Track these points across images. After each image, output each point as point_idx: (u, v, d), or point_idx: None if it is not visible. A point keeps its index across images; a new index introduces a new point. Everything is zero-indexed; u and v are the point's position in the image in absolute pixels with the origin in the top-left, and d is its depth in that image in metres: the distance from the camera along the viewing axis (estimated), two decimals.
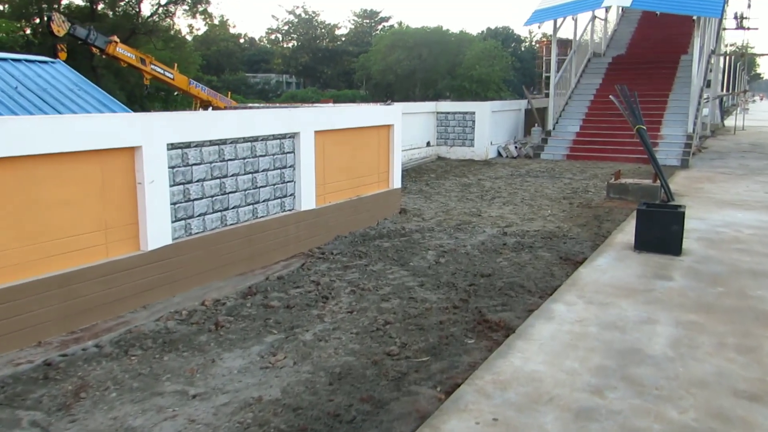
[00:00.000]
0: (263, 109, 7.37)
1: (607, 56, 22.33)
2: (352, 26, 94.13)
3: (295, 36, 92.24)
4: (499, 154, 17.98)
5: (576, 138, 17.74)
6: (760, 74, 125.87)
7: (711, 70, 24.43)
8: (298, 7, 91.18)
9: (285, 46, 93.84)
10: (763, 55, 72.64)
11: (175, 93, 24.71)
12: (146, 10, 42.50)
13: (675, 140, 16.53)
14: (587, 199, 11.36)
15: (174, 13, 42.36)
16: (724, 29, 30.06)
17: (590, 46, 22.18)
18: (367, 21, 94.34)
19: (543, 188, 12.56)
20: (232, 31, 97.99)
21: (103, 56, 21.23)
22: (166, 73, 22.61)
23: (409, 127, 16.19)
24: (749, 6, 29.26)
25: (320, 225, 8.16)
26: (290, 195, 7.73)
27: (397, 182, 9.94)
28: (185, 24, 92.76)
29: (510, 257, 7.38)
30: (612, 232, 8.60)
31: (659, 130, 17.01)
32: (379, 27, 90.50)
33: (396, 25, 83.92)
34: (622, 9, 26.09)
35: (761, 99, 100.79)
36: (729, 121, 32.92)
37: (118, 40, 20.93)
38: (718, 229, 8.66)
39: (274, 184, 7.45)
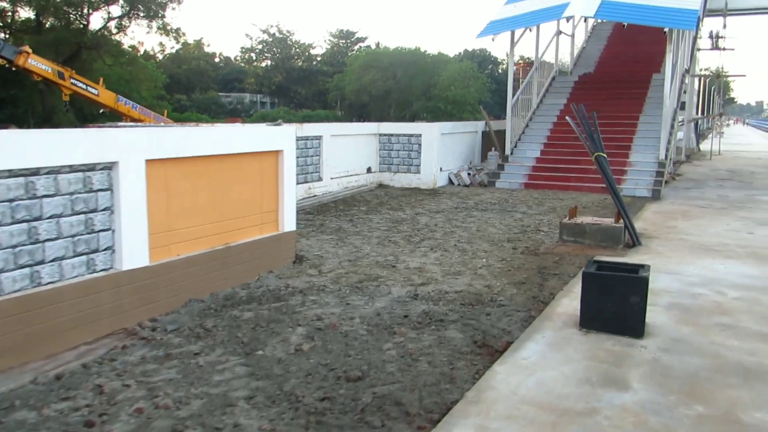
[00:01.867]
0: (55, 130, 5.21)
1: (573, 75, 20.53)
2: (328, 46, 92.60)
3: (269, 55, 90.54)
4: (451, 181, 15.95)
5: (535, 164, 15.77)
6: (734, 98, 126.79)
7: (685, 92, 22.78)
8: (272, 26, 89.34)
9: (259, 65, 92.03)
10: (738, 76, 71.89)
11: (101, 110, 22.52)
12: (98, 24, 40.18)
13: (645, 168, 14.62)
14: (536, 241, 9.29)
15: (127, 28, 40.15)
16: (699, 49, 28.54)
17: (555, 63, 20.39)
18: (344, 41, 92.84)
19: (487, 226, 10.49)
20: (206, 49, 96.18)
21: (13, 69, 18.98)
22: (90, 89, 20.42)
23: (346, 150, 14.18)
24: (725, 26, 27.66)
25: (160, 287, 5.98)
26: (105, 249, 5.54)
27: (289, 223, 7.79)
28: (156, 41, 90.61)
29: (405, 341, 5.23)
30: (556, 294, 6.51)
31: (628, 156, 15.11)
32: (356, 47, 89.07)
33: (373, 46, 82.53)
34: (592, 26, 24.49)
35: (735, 123, 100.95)
36: (704, 145, 31.45)
37: (30, 50, 18.69)
38: (695, 290, 6.61)
39: (73, 236, 5.26)
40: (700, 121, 38.07)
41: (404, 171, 15.30)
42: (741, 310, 5.96)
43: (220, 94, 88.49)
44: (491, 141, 17.53)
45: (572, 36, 21.44)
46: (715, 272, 7.39)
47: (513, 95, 16.58)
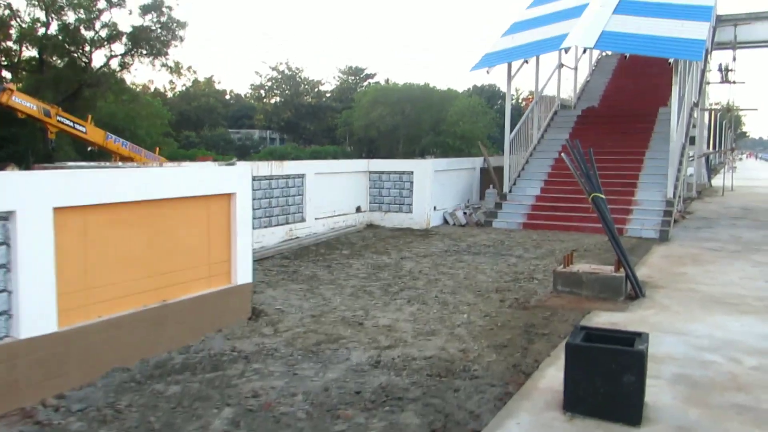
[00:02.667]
0: None
1: (577, 109, 19.76)
2: (338, 82, 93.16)
3: (278, 92, 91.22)
4: (446, 221, 15.07)
5: (535, 203, 14.87)
6: (746, 132, 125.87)
7: (695, 126, 21.93)
8: (281, 63, 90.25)
9: (268, 101, 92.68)
10: (750, 110, 70.76)
11: (89, 148, 21.99)
12: (101, 62, 40.09)
13: (652, 207, 13.68)
14: (528, 292, 8.35)
15: (130, 65, 40.05)
16: (708, 83, 27.78)
17: (557, 97, 19.65)
18: (353, 78, 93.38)
19: (477, 273, 9.57)
20: (217, 87, 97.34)
21: None
22: (77, 126, 19.87)
23: (332, 189, 13.41)
24: (734, 59, 26.89)
25: (72, 356, 5.10)
26: None
27: (243, 275, 6.92)
28: (167, 79, 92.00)
29: (348, 429, 4.30)
30: (541, 362, 5.56)
31: (634, 194, 14.19)
32: (365, 83, 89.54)
33: (382, 82, 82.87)
34: (597, 59, 23.85)
35: (748, 157, 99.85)
36: (716, 181, 30.45)
37: (14, 88, 18.20)
38: (705, 357, 5.64)
39: None
40: (711, 156, 37.14)
41: (395, 210, 14.45)
42: (761, 385, 4.98)
43: (230, 130, 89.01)
44: (490, 178, 16.69)
45: (575, 69, 20.73)
46: (729, 332, 6.42)
47: (511, 130, 15.77)
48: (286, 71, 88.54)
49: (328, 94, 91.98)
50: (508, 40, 15.70)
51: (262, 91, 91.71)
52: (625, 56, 14.37)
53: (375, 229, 14.20)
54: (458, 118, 65.72)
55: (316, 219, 12.97)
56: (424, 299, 7.90)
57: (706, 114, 31.76)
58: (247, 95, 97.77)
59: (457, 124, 64.94)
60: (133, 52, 39.16)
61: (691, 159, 23.39)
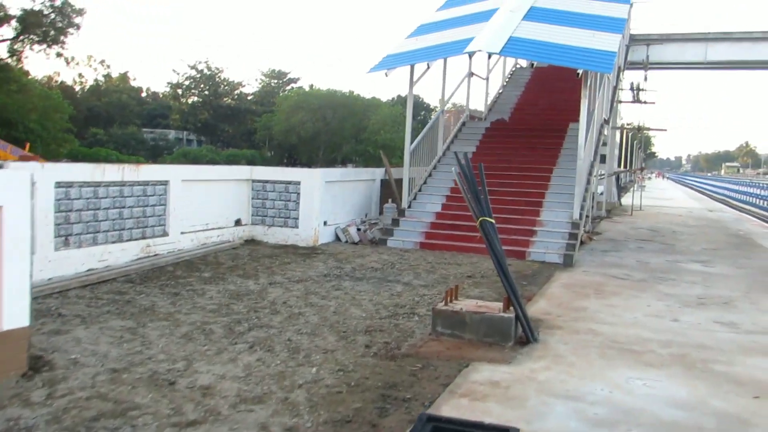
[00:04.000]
0: None
1: (486, 121, 18.79)
2: (260, 85, 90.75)
3: (196, 92, 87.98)
4: (338, 237, 13.60)
5: (435, 220, 13.61)
6: (655, 153, 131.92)
7: (605, 143, 21.47)
8: (200, 62, 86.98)
9: (185, 101, 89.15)
10: (659, 130, 73.19)
11: None
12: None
13: (557, 228, 12.69)
14: (403, 333, 6.96)
15: (21, 53, 36.66)
16: (620, 101, 27.71)
17: (466, 107, 18.62)
18: (275, 81, 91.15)
19: (351, 305, 8.11)
20: (133, 83, 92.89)
21: None
22: None
23: (206, 199, 11.72)
24: (645, 79, 26.96)
25: None
26: None
27: (14, 317, 5.17)
28: (77, 72, 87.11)
29: None
30: None
31: (538, 214, 13.15)
32: (287, 88, 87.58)
33: (306, 87, 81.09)
34: (510, 71, 23.08)
35: (657, 176, 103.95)
36: (626, 199, 30.49)
37: None
38: None
39: None
40: (621, 175, 37.52)
41: (280, 225, 12.85)
42: None
43: (144, 129, 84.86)
44: (391, 191, 15.36)
45: (486, 79, 19.77)
46: (631, 395, 5.22)
47: (411, 141, 14.50)
48: (206, 71, 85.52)
49: (249, 97, 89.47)
50: (412, 42, 14.45)
51: (180, 90, 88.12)
52: (532, 64, 13.42)
53: (254, 245, 12.53)
54: (380, 126, 64.90)
55: (182, 233, 11.22)
56: (271, 344, 6.36)
57: (618, 133, 31.89)
58: (165, 94, 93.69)
59: (379, 132, 64.06)
60: (23, 38, 35.90)
61: (602, 177, 22.98)
